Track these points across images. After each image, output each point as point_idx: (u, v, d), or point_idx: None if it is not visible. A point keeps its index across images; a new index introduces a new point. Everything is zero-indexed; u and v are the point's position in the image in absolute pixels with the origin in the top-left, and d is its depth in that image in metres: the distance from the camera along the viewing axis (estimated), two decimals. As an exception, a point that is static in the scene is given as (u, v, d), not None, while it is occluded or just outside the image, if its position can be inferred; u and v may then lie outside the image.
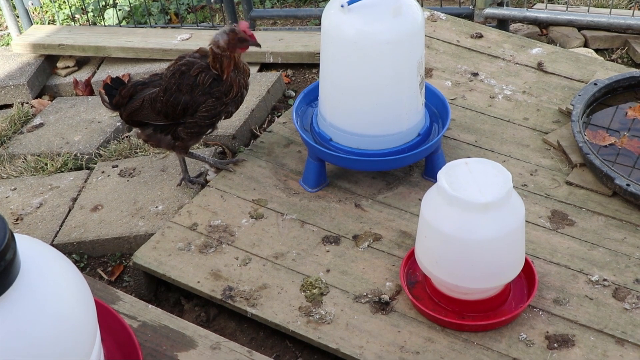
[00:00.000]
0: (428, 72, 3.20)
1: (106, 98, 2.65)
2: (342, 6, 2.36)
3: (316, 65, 3.55)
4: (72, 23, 4.49)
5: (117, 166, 2.98)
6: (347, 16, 2.38)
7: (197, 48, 2.62)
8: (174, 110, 2.54)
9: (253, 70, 3.56)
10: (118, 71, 3.77)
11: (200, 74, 2.50)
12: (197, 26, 4.00)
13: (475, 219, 2.01)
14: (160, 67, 3.64)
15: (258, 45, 2.47)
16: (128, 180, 2.89)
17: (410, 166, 2.76)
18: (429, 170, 2.69)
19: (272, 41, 3.68)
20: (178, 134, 2.60)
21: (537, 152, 2.81)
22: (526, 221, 2.19)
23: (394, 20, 2.37)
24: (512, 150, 2.82)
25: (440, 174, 2.07)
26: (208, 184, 2.75)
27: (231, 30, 2.47)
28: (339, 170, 2.76)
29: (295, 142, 2.90)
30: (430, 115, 2.72)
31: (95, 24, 4.44)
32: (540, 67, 3.22)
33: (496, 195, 2.01)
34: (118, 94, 2.62)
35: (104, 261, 2.67)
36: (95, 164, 3.07)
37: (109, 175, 2.94)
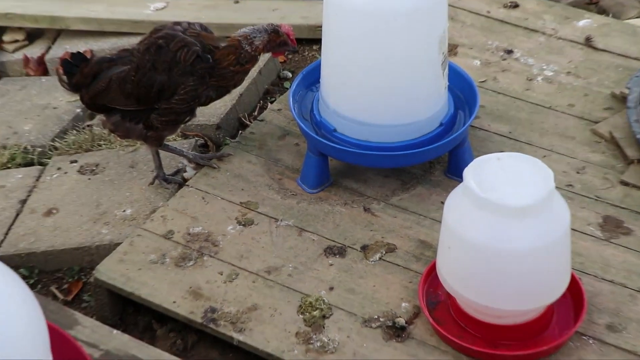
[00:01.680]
0: (452, 49, 3.20)
1: (64, 77, 2.64)
2: (349, -31, 2.37)
3: (317, 41, 3.52)
4: (23, -12, 4.49)
5: (76, 161, 2.98)
6: (355, -19, 2.39)
7: (175, 20, 2.62)
8: (148, 93, 2.53)
9: (241, 46, 3.57)
10: (78, 46, 3.76)
11: (181, 50, 2.50)
12: (174, -7, 4.00)
13: (509, 226, 2.01)
14: (129, 42, 3.63)
15: (296, 51, 2.55)
16: (89, 179, 2.88)
17: (431, 162, 2.75)
18: (453, 167, 2.68)
19: (264, 12, 3.68)
20: (151, 122, 2.60)
21: (585, 146, 2.80)
22: (572, 229, 2.18)
23: (412, -13, 2.38)
24: (554, 143, 2.82)
25: (467, 172, 2.07)
26: (187, 183, 2.75)
27: (274, 30, 2.55)
28: (345, 167, 2.75)
29: (292, 133, 2.90)
30: (454, 101, 2.72)
31: (50, -11, 4.44)
32: (588, 42, 3.22)
33: (535, 197, 2.00)
34: (79, 73, 2.61)
35: (59, 277, 2.66)
36: (50, 158, 3.06)
37: (66, 173, 2.93)
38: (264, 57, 3.33)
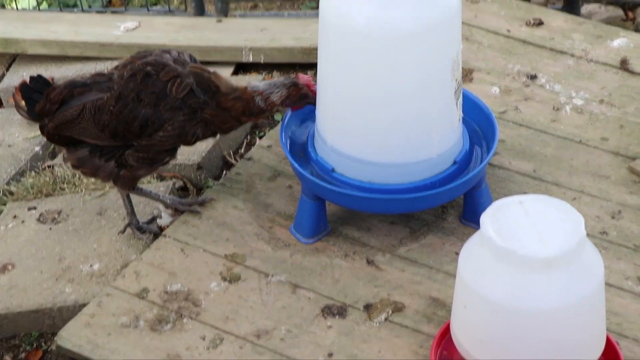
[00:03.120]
0: (467, 74, 3.24)
1: (23, 103, 2.67)
2: (347, -14, 2.41)
3: (313, 66, 3.58)
4: (-31, 5, 4.53)
5: (34, 208, 3.01)
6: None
7: (150, 42, 2.68)
8: (128, 128, 2.57)
9: (226, 72, 3.61)
10: (36, 73, 3.80)
11: (173, 80, 2.55)
12: (148, 11, 4.05)
13: (533, 280, 2.02)
14: (96, 68, 3.68)
15: (315, 103, 2.63)
16: (51, 229, 2.91)
17: (444, 207, 2.79)
18: (469, 212, 2.72)
19: (252, 32, 3.73)
20: (125, 159, 2.63)
21: (621, 186, 2.82)
22: (607, 284, 2.18)
23: (418, 3, 2.41)
24: (585, 183, 2.84)
25: (485, 218, 2.08)
26: (163, 233, 2.78)
27: (293, 84, 2.61)
28: (345, 213, 2.78)
29: (284, 174, 2.94)
30: (470, 136, 2.76)
31: (3, 6, 4.49)
32: (624, 65, 3.26)
33: (563, 247, 2.01)
34: (45, 98, 2.64)
35: (15, 344, 2.67)
36: (5, 204, 3.09)
37: (23, 221, 2.96)
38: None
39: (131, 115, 2.54)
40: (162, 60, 2.58)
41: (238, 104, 2.59)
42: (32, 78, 2.67)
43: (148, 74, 2.55)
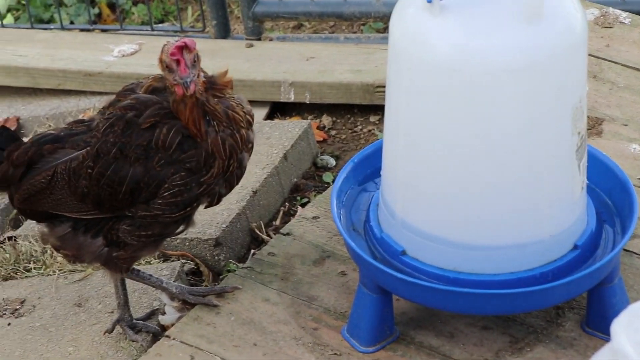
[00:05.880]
0: (595, 125, 3.24)
1: None
2: (429, 1, 2.44)
3: (377, 109, 3.62)
4: None
5: (-10, 295, 3.06)
6: (438, 21, 2.44)
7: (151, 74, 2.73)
8: (114, 194, 2.61)
9: (257, 114, 3.66)
10: (-2, 112, 3.88)
11: (158, 128, 2.59)
12: (152, 30, 4.13)
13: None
14: (78, 107, 3.75)
15: (185, 87, 2.51)
16: (10, 324, 2.94)
17: (559, 308, 2.78)
18: (594, 316, 2.70)
19: (295, 61, 3.79)
20: (119, 236, 2.67)
21: None
22: None
23: (527, 28, 2.43)
24: None
25: (619, 326, 2.05)
26: (166, 334, 2.79)
27: (162, 47, 2.57)
28: (419, 312, 2.79)
29: (334, 256, 2.96)
30: (597, 210, 2.75)
31: (-44, 20, 4.60)
32: None
33: None
34: (5, 160, 2.70)
35: None
36: (-50, 290, 3.14)
37: (-26, 314, 3.01)
38: (291, 134, 3.43)
39: (116, 178, 2.59)
40: (145, 98, 2.62)
41: (172, 97, 2.59)
42: None
43: (129, 120, 2.60)
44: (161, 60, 2.56)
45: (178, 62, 2.52)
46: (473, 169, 2.53)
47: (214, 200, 2.69)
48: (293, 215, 3.23)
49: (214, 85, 2.62)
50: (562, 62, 2.48)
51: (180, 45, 2.52)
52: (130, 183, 2.60)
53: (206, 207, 2.71)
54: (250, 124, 2.69)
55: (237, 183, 2.70)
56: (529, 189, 2.56)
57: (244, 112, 2.67)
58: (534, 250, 2.60)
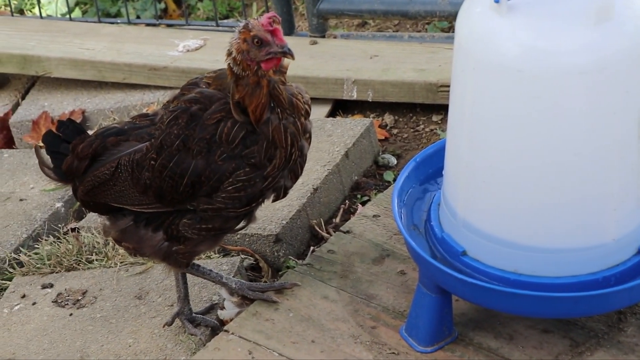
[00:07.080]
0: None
1: (48, 159, 2.76)
2: (496, 1, 2.43)
3: (440, 109, 3.62)
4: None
5: (51, 286, 3.08)
6: (505, 21, 2.44)
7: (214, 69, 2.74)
8: (175, 187, 2.63)
9: (319, 112, 3.67)
10: (63, 104, 3.88)
11: (222, 122, 2.61)
12: (217, 25, 4.14)
13: None
14: (143, 100, 3.77)
15: (288, 54, 2.54)
16: (71, 314, 2.96)
17: (621, 313, 2.76)
18: (659, 322, 2.69)
19: (358, 59, 3.79)
20: (179, 230, 2.69)
21: None
22: None
23: (596, 29, 2.41)
24: None
25: None
26: (225, 328, 2.80)
27: (244, 27, 2.56)
28: (478, 313, 2.78)
29: (394, 255, 2.96)
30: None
31: (22, 12, 4.62)
32: None
33: None
34: (71, 153, 2.73)
35: None
36: (10, 280, 3.16)
37: (34, 303, 3.02)
38: (353, 132, 3.43)
39: (178, 171, 2.61)
40: (210, 93, 2.63)
41: (234, 83, 2.58)
42: (60, 123, 2.76)
43: (193, 114, 2.61)
44: (249, 38, 2.53)
45: (274, 32, 2.53)
46: (538, 171, 2.52)
47: (280, 193, 2.71)
48: (353, 213, 3.24)
49: (282, 69, 2.62)
50: (630, 64, 2.46)
51: (271, 16, 2.54)
52: (191, 176, 2.61)
53: (273, 202, 2.73)
54: (308, 114, 2.69)
55: (301, 173, 2.72)
56: (594, 192, 2.54)
57: (303, 101, 2.68)
58: (597, 253, 2.58)
